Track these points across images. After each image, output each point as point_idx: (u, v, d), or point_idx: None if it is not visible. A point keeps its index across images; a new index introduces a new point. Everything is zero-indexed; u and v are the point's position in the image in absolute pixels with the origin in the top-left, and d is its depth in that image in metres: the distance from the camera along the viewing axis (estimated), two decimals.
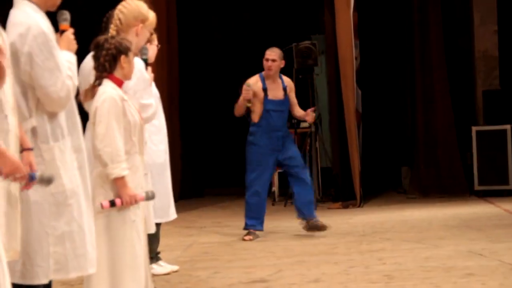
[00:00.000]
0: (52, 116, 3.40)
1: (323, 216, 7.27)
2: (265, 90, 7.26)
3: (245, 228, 7.19)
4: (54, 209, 3.39)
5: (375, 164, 11.56)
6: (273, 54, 7.30)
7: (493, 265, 5.31)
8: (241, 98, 7.18)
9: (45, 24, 3.36)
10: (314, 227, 7.08)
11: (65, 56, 3.46)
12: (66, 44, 3.50)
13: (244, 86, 7.15)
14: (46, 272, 3.38)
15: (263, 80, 7.30)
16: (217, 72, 13.21)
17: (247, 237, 7.10)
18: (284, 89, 7.33)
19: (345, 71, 9.62)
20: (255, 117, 7.25)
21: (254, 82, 7.27)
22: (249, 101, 7.15)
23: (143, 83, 4.35)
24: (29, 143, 3.23)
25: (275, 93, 7.28)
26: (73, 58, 3.49)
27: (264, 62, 7.32)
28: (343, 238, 6.99)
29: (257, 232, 7.17)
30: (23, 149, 3.22)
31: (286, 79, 7.46)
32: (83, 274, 3.53)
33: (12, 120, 3.04)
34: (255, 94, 7.20)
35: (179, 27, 11.07)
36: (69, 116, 3.49)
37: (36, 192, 3.32)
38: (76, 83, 3.45)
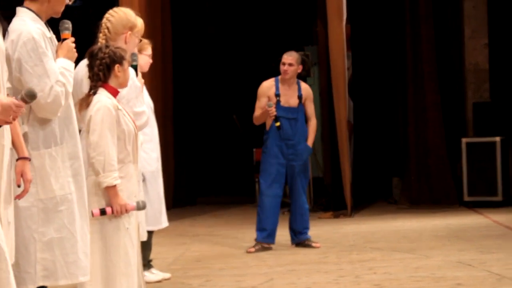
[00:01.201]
0: (45, 122, 3.42)
1: (314, 226, 7.31)
2: (277, 95, 6.95)
3: (255, 240, 6.95)
4: (43, 215, 3.39)
5: (366, 175, 11.62)
6: (290, 58, 6.95)
7: (482, 275, 5.36)
8: (260, 113, 6.90)
9: (38, 32, 3.40)
10: (304, 245, 7.05)
11: (62, 63, 3.49)
12: (65, 52, 3.54)
13: (266, 108, 6.83)
14: (34, 279, 3.38)
15: (277, 84, 7.00)
16: (211, 81, 13.27)
17: (251, 249, 6.89)
18: (299, 96, 7.01)
19: (337, 82, 9.68)
20: (267, 125, 7.00)
21: (268, 86, 6.98)
22: (276, 119, 6.87)
23: (135, 91, 4.39)
24: (25, 152, 3.26)
25: (288, 100, 6.96)
26: (70, 66, 3.52)
27: (281, 66, 6.96)
28: (333, 247, 7.04)
29: (265, 245, 6.90)
30: (18, 158, 3.26)
31: (304, 86, 7.11)
32: (74, 282, 3.51)
33: (8, 133, 3.05)
34: (268, 100, 6.89)
35: (173, 36, 11.11)
36: (65, 123, 3.51)
37: (25, 198, 3.33)
38: (70, 90, 3.48)
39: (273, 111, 6.84)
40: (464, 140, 10.20)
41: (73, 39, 3.58)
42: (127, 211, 3.85)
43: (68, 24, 3.58)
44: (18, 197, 3.21)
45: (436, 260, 6.05)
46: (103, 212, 3.79)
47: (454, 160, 10.52)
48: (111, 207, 3.80)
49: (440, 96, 10.66)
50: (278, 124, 6.90)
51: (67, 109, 3.51)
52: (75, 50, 3.57)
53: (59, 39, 3.60)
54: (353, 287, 5.16)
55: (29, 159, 3.28)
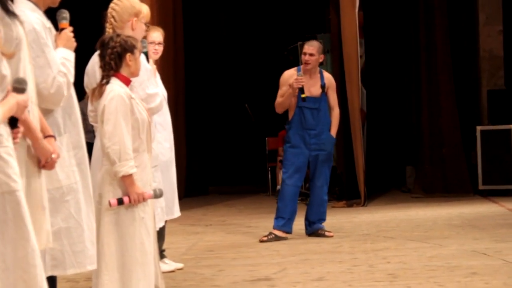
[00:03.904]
0: (47, 113, 3.40)
1: (327, 215, 7.26)
2: None
3: (273, 228, 6.94)
4: (50, 205, 3.37)
5: (380, 163, 11.58)
6: (311, 48, 6.87)
7: (497, 264, 5.32)
8: (287, 92, 6.82)
9: (39, 22, 3.36)
10: (318, 234, 7.03)
11: (62, 53, 3.46)
12: (64, 41, 3.51)
13: (297, 77, 6.75)
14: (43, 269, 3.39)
15: (299, 73, 6.89)
16: (223, 69, 13.24)
17: (263, 238, 6.87)
18: (322, 86, 6.93)
19: (350, 70, 9.63)
20: (290, 114, 6.96)
21: (290, 75, 6.92)
22: (302, 90, 6.78)
23: (146, 73, 4.38)
24: (50, 130, 3.25)
25: (311, 89, 6.88)
26: (70, 56, 3.49)
27: (302, 56, 6.93)
28: (347, 237, 7.00)
29: (281, 234, 6.89)
30: (45, 136, 3.25)
31: (327, 76, 7.05)
32: (82, 271, 3.51)
33: (36, 114, 3.06)
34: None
35: (185, 24, 11.09)
36: (68, 113, 3.49)
37: None
38: (72, 80, 3.45)
39: (302, 80, 6.77)
40: (478, 128, 10.13)
41: (71, 28, 3.56)
42: (144, 199, 3.84)
43: (65, 13, 3.55)
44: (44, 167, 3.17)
45: (451, 249, 6.01)
46: (120, 201, 3.78)
47: (469, 148, 10.45)
48: (128, 196, 3.79)
49: (454, 84, 10.58)
50: (304, 95, 6.83)
51: (69, 99, 3.49)
52: (74, 39, 3.54)
53: (57, 29, 3.57)
54: (367, 276, 5.13)
55: (55, 138, 3.27)
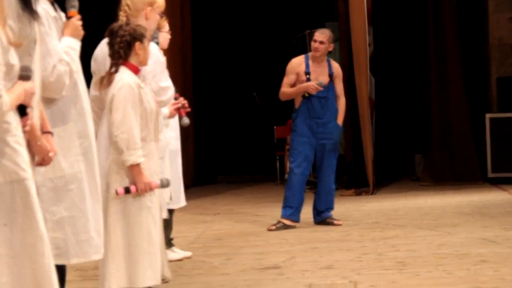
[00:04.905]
0: (51, 102, 3.38)
1: (336, 203, 7.26)
2: (308, 73, 6.85)
3: (281, 217, 6.94)
4: (52, 194, 3.37)
5: (388, 152, 11.55)
6: (322, 36, 6.84)
7: (506, 252, 5.31)
8: (299, 89, 6.82)
9: (41, 11, 3.34)
10: (326, 223, 7.02)
11: (66, 42, 3.43)
12: (70, 30, 3.48)
13: (316, 85, 6.74)
14: None
15: (307, 61, 6.93)
16: (231, 58, 13.21)
17: (271, 227, 6.87)
18: (330, 75, 6.91)
19: (358, 58, 9.61)
20: (297, 103, 6.95)
21: (298, 63, 6.92)
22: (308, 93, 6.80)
23: (160, 66, 4.38)
24: (48, 126, 3.24)
25: (319, 78, 6.83)
26: (75, 44, 3.45)
27: (312, 43, 6.90)
28: (356, 225, 7.00)
29: (289, 223, 6.86)
30: (42, 132, 3.24)
31: (335, 65, 7.04)
32: (86, 260, 3.48)
33: (36, 113, 3.05)
34: (297, 77, 6.86)
35: (192, 14, 11.07)
36: (74, 101, 3.46)
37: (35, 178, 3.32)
38: (75, 68, 3.42)
39: (317, 89, 6.77)
40: (488, 115, 10.09)
41: (79, 16, 3.53)
42: (151, 189, 3.84)
43: (74, 2, 3.53)
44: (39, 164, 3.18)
45: (460, 237, 6.00)
46: (127, 190, 3.78)
47: (478, 136, 10.42)
48: (135, 185, 3.79)
49: (463, 72, 10.54)
50: (307, 95, 6.84)
51: (74, 88, 3.45)
52: (81, 28, 3.50)
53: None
54: (376, 264, 5.13)
55: (52, 134, 3.26)
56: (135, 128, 3.79)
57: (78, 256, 3.41)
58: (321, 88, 6.79)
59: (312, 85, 6.79)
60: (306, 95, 6.85)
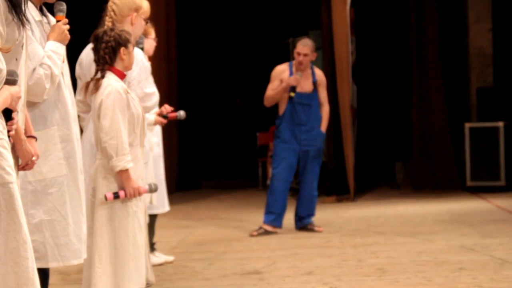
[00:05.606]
0: (33, 105, 3.36)
1: (317, 210, 7.32)
2: None
3: (263, 223, 6.98)
4: (31, 197, 3.35)
5: (370, 159, 11.64)
6: (306, 48, 6.87)
7: (484, 259, 5.39)
8: (279, 86, 6.88)
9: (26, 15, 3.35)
10: (307, 229, 7.07)
11: (50, 46, 3.40)
12: (56, 34, 3.46)
13: (297, 76, 6.80)
14: None
15: (291, 69, 6.97)
16: (215, 64, 13.26)
17: (253, 232, 6.93)
18: (314, 82, 6.98)
19: (341, 67, 9.68)
20: (281, 109, 7.00)
21: (282, 70, 6.99)
22: (293, 89, 6.86)
23: (145, 72, 4.40)
24: (32, 131, 3.24)
25: (303, 86, 6.91)
26: (60, 49, 3.43)
27: (296, 56, 6.91)
28: (336, 231, 7.06)
29: (271, 229, 6.91)
30: (26, 136, 3.24)
31: (318, 73, 7.09)
32: (66, 265, 3.47)
33: (21, 117, 3.06)
34: (281, 84, 6.89)
35: (177, 19, 11.10)
36: (57, 106, 3.45)
37: None
38: (57, 72, 3.41)
39: (299, 81, 6.83)
40: (467, 125, 10.21)
41: (66, 21, 3.53)
42: (140, 194, 3.86)
43: (62, 6, 3.53)
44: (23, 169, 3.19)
45: (439, 245, 6.08)
46: (116, 195, 3.80)
47: (457, 145, 10.53)
48: (124, 190, 3.81)
49: (444, 81, 10.65)
50: (293, 94, 6.88)
51: (58, 92, 3.43)
52: (67, 32, 3.49)
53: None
54: (356, 271, 5.19)
55: (36, 138, 3.27)
56: (123, 133, 3.80)
57: (57, 260, 3.39)
58: (300, 79, 6.83)
59: (293, 77, 6.86)
60: (292, 94, 6.89)
